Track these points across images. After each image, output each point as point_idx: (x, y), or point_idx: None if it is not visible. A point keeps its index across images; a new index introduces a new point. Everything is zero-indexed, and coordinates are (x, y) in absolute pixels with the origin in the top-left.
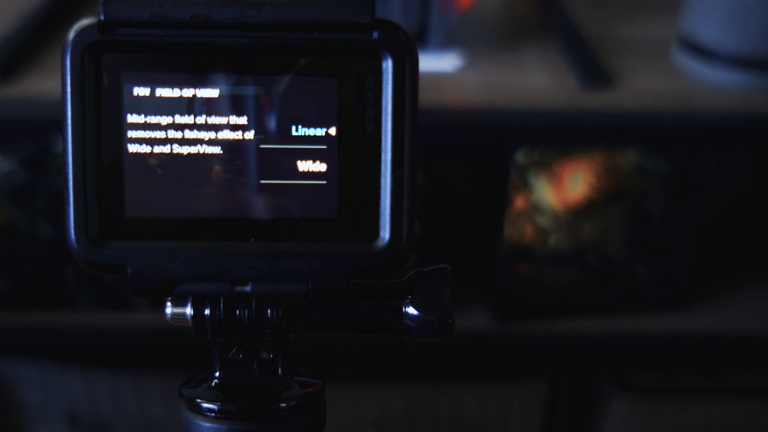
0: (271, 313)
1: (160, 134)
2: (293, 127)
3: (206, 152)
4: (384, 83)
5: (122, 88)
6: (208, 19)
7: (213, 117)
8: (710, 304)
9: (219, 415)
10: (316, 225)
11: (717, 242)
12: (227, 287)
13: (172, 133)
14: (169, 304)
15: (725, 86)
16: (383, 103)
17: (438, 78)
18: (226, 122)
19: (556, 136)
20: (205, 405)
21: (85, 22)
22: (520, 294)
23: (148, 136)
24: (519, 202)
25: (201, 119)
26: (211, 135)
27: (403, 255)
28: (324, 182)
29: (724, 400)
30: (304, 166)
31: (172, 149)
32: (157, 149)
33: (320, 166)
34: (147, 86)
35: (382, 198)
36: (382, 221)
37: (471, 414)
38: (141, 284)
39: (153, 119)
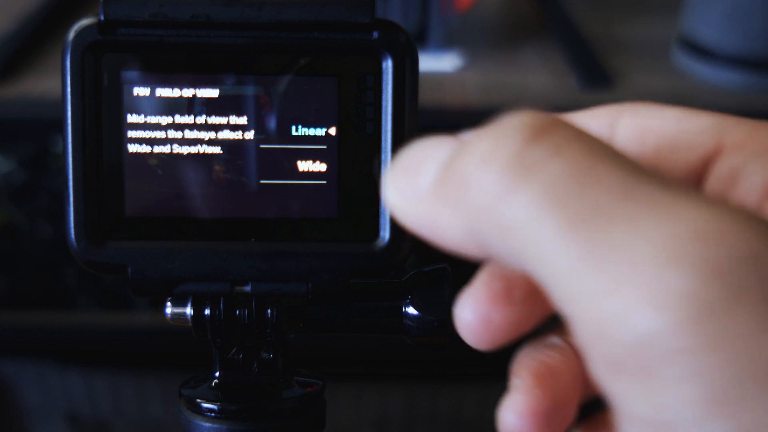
0: (271, 313)
1: (160, 134)
2: (293, 127)
3: (206, 152)
4: (384, 83)
5: (122, 88)
6: (208, 19)
7: (213, 117)
8: None
9: (219, 415)
10: (316, 225)
11: None
12: (227, 287)
13: (172, 133)
14: (169, 304)
15: (725, 86)
16: (383, 103)
17: (438, 78)
18: (226, 122)
19: None
20: (205, 405)
21: (85, 22)
22: None
23: (148, 136)
24: None
25: (201, 119)
26: (211, 135)
27: (403, 255)
28: (324, 182)
29: None
30: (304, 166)
31: (172, 149)
32: (157, 149)
33: (320, 166)
34: (147, 86)
35: (383, 198)
36: (382, 221)
37: (471, 414)
38: (141, 284)
39: (153, 119)
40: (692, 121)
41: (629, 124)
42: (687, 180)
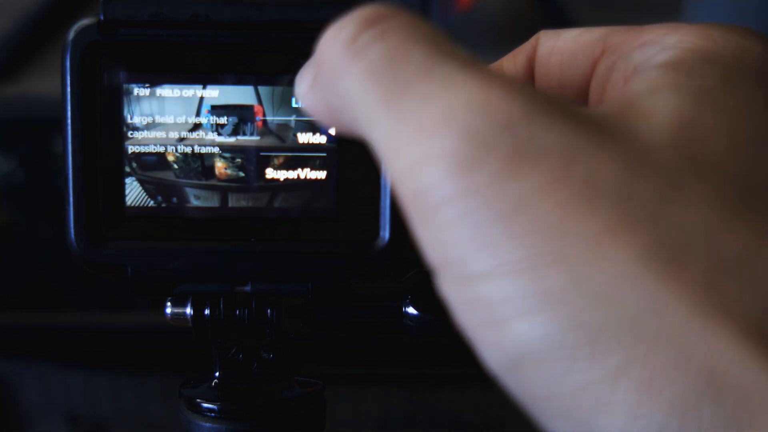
0: (271, 313)
1: (159, 134)
2: (293, 128)
3: (206, 152)
4: None
5: (122, 87)
6: (208, 19)
7: (213, 117)
8: None
9: (219, 415)
10: (316, 225)
11: None
12: (227, 287)
13: (172, 133)
14: (169, 304)
15: None
16: None
17: None
18: (225, 122)
19: None
20: (205, 405)
21: (85, 22)
22: None
23: (147, 136)
24: None
25: (201, 119)
26: (211, 135)
27: (403, 255)
28: (324, 182)
29: None
30: (304, 165)
31: (171, 149)
32: (157, 149)
33: (320, 166)
34: (147, 86)
35: (382, 198)
36: (382, 221)
37: (471, 414)
38: (141, 284)
39: (153, 119)
40: (587, 35)
41: (542, 49)
42: (582, 84)
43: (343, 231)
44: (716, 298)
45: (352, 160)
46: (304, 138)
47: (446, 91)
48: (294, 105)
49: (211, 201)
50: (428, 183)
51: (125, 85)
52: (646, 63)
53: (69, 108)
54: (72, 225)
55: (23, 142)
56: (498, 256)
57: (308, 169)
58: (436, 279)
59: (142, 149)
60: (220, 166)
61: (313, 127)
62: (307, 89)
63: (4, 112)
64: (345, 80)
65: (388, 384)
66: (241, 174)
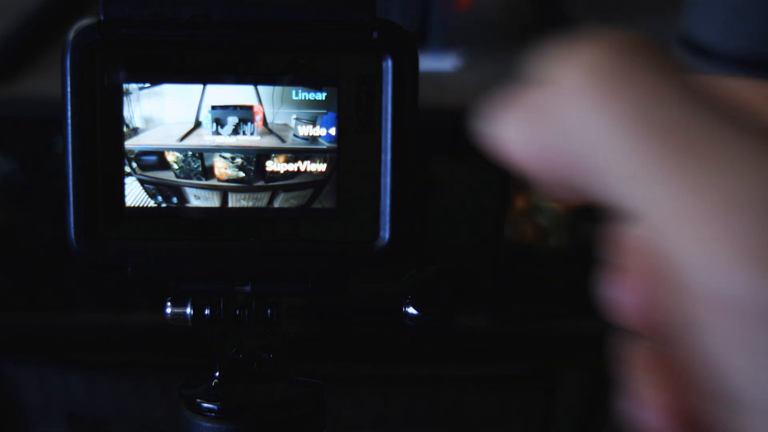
0: (271, 313)
1: (160, 134)
2: (293, 127)
3: (206, 152)
4: (384, 83)
5: (122, 87)
6: (208, 19)
7: (213, 116)
8: None
9: (219, 415)
10: (316, 225)
11: None
12: (227, 287)
13: (172, 133)
14: (169, 303)
15: None
16: (383, 103)
17: (438, 78)
18: (225, 122)
19: None
20: (205, 405)
21: (85, 22)
22: (520, 294)
23: (147, 136)
24: (519, 202)
25: (201, 119)
26: (211, 135)
27: (403, 255)
28: (324, 182)
29: None
30: (304, 166)
31: (171, 149)
32: (157, 149)
33: (320, 166)
34: (147, 86)
35: (382, 198)
36: (382, 221)
37: (471, 414)
38: (141, 284)
39: (153, 119)
40: None
41: None
42: None
43: (343, 231)
44: None
45: (352, 159)
46: (304, 138)
47: (755, 164)
48: (293, 106)
49: (211, 201)
50: (751, 288)
51: (125, 85)
52: None
53: (69, 108)
54: (72, 225)
55: (23, 142)
56: None
57: (308, 169)
58: (735, 417)
59: (142, 149)
60: (220, 166)
61: (312, 126)
62: (512, 122)
63: (4, 112)
64: (588, 113)
65: (387, 384)
66: (241, 174)
